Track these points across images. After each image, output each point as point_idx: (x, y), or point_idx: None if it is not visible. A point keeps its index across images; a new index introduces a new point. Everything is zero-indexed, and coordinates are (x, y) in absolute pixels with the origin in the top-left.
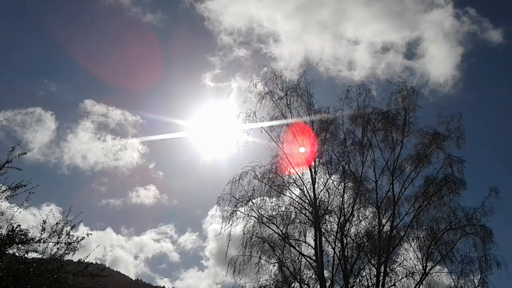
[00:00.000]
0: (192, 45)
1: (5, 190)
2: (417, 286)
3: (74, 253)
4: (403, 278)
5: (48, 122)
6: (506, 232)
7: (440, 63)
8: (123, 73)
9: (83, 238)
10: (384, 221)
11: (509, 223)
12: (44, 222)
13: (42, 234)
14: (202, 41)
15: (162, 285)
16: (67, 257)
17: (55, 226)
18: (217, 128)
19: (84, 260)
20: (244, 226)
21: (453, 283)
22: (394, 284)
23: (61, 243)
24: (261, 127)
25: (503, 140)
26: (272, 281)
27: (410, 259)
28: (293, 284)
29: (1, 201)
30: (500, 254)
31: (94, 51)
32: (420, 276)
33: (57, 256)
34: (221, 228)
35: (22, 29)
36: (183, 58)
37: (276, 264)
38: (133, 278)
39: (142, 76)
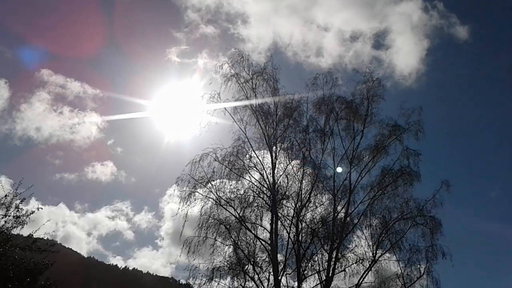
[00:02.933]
0: (158, 19)
1: None
2: (366, 272)
3: (22, 227)
4: (353, 264)
5: (1, 90)
6: (454, 223)
7: (406, 55)
8: (86, 48)
9: (32, 212)
10: (339, 208)
11: (458, 214)
12: None
13: None
14: (168, 16)
15: (114, 263)
16: (15, 231)
17: (4, 198)
18: (181, 108)
19: (33, 235)
20: (202, 208)
21: (400, 271)
22: (344, 270)
23: (9, 216)
24: (225, 108)
25: (458, 136)
26: (226, 263)
27: (362, 246)
28: (246, 266)
29: None
30: (446, 244)
31: (53, 21)
32: (370, 263)
33: (4, 230)
34: (178, 208)
35: None
36: (148, 32)
37: (231, 246)
38: (85, 255)
39: (111, 58)
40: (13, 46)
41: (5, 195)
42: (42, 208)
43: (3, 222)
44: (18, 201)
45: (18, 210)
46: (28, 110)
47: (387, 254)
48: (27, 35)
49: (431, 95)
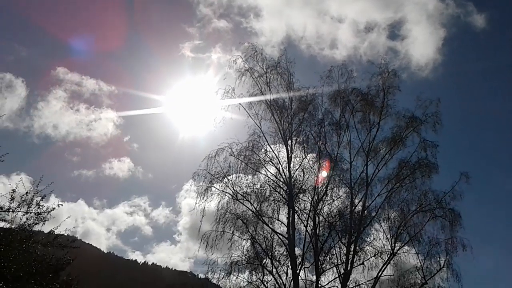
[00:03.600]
0: (170, 15)
1: None
2: (385, 266)
3: (44, 224)
4: (371, 257)
5: (18, 88)
6: (474, 215)
7: (422, 45)
8: (101, 46)
9: (53, 208)
10: (356, 201)
11: (477, 206)
12: (14, 191)
13: (11, 203)
14: (180, 11)
15: (134, 259)
16: (37, 228)
17: (25, 195)
18: (196, 103)
19: (54, 231)
20: (219, 202)
21: (419, 264)
22: (363, 263)
23: (30, 213)
24: (239, 103)
25: (477, 126)
26: (244, 257)
27: (380, 239)
28: (264, 260)
29: None
30: (466, 237)
31: (67, 20)
32: (388, 256)
33: (26, 226)
34: (195, 203)
35: None
36: (161, 28)
37: (249, 241)
38: (105, 251)
39: (126, 54)
40: (29, 43)
41: (26, 193)
42: (62, 205)
43: (24, 219)
44: (38, 198)
45: (39, 207)
46: (45, 108)
47: (406, 247)
48: (45, 30)
49: (448, 85)
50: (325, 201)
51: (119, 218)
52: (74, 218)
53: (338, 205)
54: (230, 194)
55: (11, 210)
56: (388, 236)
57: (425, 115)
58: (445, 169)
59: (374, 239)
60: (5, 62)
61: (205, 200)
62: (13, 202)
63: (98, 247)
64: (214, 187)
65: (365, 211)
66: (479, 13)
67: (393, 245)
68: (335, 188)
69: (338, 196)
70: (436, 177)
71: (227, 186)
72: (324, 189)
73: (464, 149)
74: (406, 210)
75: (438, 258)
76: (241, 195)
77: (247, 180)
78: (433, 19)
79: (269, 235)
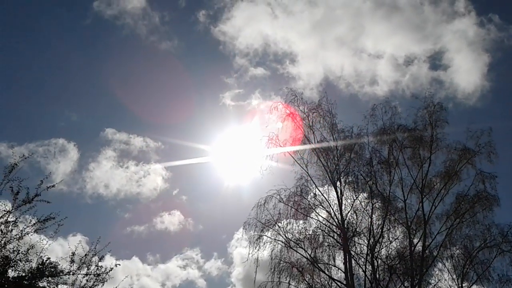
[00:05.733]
0: (209, 70)
1: (35, 223)
2: None
3: (103, 285)
4: None
5: (71, 152)
6: None
7: (466, 73)
8: (147, 104)
9: (111, 269)
10: (415, 241)
11: None
12: (73, 254)
13: (71, 266)
14: (218, 65)
15: None
16: None
17: (84, 257)
18: (240, 152)
19: None
20: (272, 251)
21: None
22: None
23: (90, 274)
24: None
25: None
26: None
27: (445, 280)
28: None
29: (31, 235)
30: None
31: (113, 82)
32: None
33: None
34: (248, 253)
35: (37, 61)
36: (201, 82)
37: None
38: None
39: (171, 110)
40: (79, 107)
41: (85, 254)
42: (119, 264)
43: (85, 281)
44: (96, 259)
45: (98, 268)
46: (96, 168)
47: (475, 286)
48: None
49: (500, 111)
50: (382, 243)
51: (173, 273)
52: (130, 276)
53: (396, 246)
54: (282, 242)
55: (71, 273)
56: (454, 276)
57: (478, 145)
58: (507, 201)
59: (439, 280)
60: (57, 128)
61: (258, 250)
62: (73, 264)
63: None
64: (265, 235)
65: (426, 251)
66: None
67: (460, 285)
68: (391, 229)
69: (395, 237)
70: (498, 209)
71: (279, 233)
72: (380, 231)
73: None
74: (470, 246)
75: None
76: (294, 242)
77: (298, 226)
78: (475, 46)
79: (326, 282)
